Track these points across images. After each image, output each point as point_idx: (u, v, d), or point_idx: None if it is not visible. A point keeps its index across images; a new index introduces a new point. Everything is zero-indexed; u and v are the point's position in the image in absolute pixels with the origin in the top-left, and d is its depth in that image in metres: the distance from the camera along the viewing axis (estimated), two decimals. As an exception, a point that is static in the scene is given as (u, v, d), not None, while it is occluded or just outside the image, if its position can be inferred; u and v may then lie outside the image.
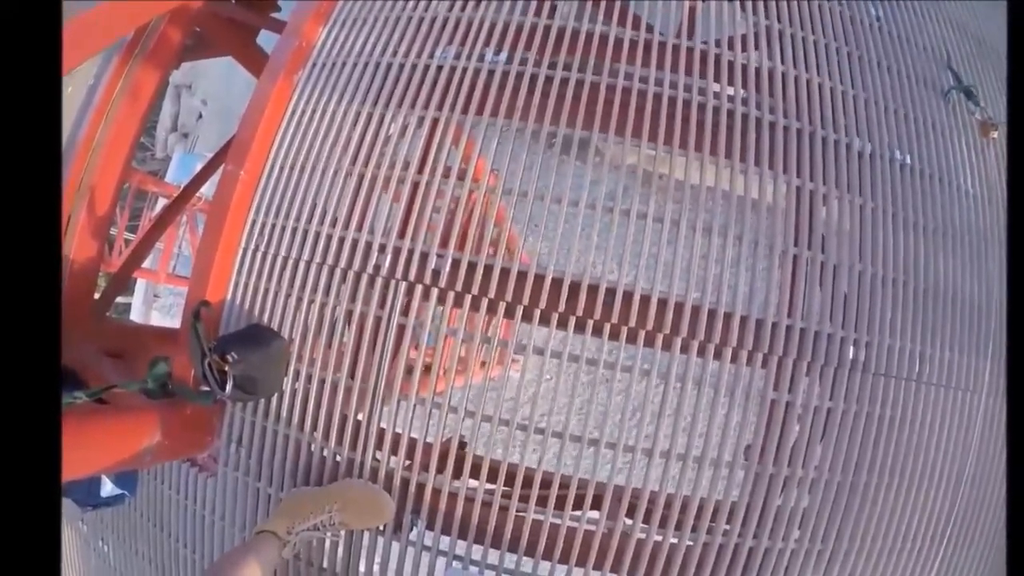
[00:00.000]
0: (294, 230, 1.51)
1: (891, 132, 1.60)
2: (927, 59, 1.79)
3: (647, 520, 1.37)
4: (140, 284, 8.55)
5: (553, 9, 1.60)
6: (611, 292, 1.37)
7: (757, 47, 1.62)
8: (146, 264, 7.14)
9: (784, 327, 1.37)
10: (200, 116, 9.79)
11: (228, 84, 8.80)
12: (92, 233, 1.80)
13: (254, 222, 1.56)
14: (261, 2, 2.39)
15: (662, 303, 1.36)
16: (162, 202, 7.40)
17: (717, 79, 1.55)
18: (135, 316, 8.29)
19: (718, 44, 1.59)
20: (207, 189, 3.82)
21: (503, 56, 1.52)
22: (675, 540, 1.38)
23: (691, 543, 1.38)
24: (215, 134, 8.85)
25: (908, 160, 1.59)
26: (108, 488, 1.61)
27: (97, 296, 2.00)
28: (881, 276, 1.46)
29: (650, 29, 1.61)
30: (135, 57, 1.83)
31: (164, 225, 3.15)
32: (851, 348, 1.41)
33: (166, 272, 7.60)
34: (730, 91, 1.53)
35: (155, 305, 8.84)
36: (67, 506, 1.66)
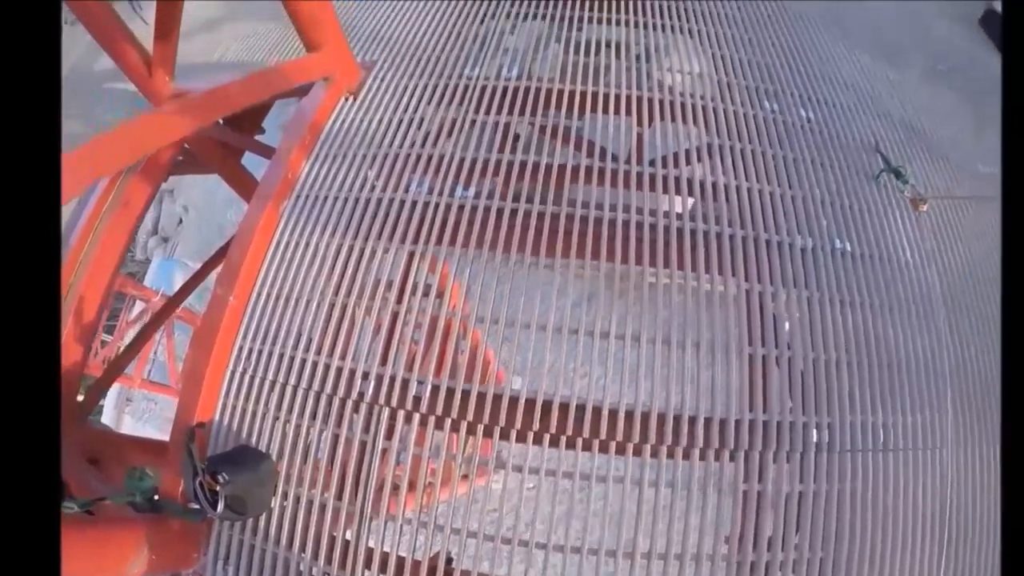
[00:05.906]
0: (280, 356, 1.59)
1: (829, 223, 1.74)
2: (858, 148, 1.96)
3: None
4: (113, 388, 8.34)
5: (516, 139, 1.77)
6: (581, 408, 1.44)
7: (700, 160, 1.80)
8: (121, 368, 7.02)
9: (747, 423, 1.45)
10: (180, 222, 9.92)
11: (210, 194, 8.95)
12: (77, 339, 1.81)
13: (241, 347, 1.63)
14: (246, 125, 2.56)
15: (629, 415, 1.43)
16: (139, 305, 7.39)
17: (666, 192, 1.71)
18: (107, 419, 8.04)
19: (665, 163, 1.76)
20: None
21: (472, 191, 1.67)
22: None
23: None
24: (195, 241, 8.92)
25: (848, 247, 1.73)
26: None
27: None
28: (835, 359, 1.55)
29: (604, 152, 1.79)
30: (126, 173, 1.92)
31: (146, 337, 3.18)
32: (814, 432, 1.48)
33: (141, 378, 7.49)
34: (678, 209, 1.69)
35: (127, 410, 8.58)
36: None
